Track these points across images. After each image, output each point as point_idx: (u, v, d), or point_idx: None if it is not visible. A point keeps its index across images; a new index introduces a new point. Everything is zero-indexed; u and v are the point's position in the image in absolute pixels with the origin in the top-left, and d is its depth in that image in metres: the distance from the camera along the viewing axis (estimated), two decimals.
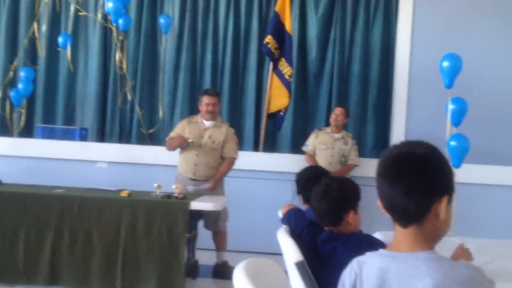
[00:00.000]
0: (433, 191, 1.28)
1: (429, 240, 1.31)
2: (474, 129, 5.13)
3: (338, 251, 2.16)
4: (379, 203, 1.35)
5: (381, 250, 1.33)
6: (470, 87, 5.37)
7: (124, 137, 6.43)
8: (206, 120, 4.77)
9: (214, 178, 4.67)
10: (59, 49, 6.03)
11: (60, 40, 5.93)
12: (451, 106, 4.72)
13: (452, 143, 4.62)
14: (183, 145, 4.67)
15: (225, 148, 4.72)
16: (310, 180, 2.82)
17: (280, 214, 2.63)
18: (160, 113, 6.21)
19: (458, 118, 4.72)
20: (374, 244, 2.10)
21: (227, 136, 4.74)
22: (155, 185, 4.31)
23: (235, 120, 6.20)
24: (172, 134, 4.88)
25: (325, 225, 2.30)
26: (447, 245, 2.74)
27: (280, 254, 2.36)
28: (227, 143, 4.71)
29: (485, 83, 5.83)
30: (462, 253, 2.26)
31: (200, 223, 4.62)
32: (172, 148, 4.76)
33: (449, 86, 4.77)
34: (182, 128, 4.83)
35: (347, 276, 1.36)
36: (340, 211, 2.25)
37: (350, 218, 2.26)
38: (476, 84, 5.66)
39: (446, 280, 1.18)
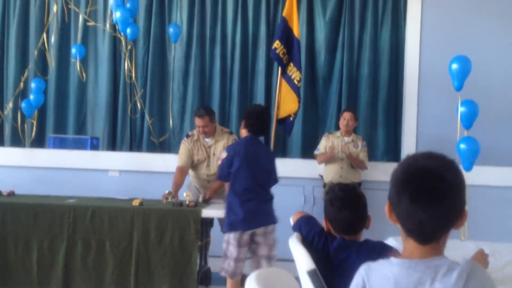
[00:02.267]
0: (457, 212, 1.28)
1: (442, 248, 1.31)
2: (485, 131, 5.09)
3: (351, 259, 2.15)
4: (388, 209, 1.34)
5: (391, 258, 1.32)
6: (480, 88, 5.32)
7: (134, 146, 6.47)
8: (206, 137, 4.70)
9: (210, 190, 4.56)
10: (73, 60, 6.08)
11: (73, 50, 5.99)
12: (461, 109, 4.69)
13: (463, 145, 4.59)
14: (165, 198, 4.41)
15: None
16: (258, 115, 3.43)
17: (292, 221, 2.62)
18: (171, 122, 6.24)
19: (468, 120, 4.69)
20: (387, 251, 2.09)
21: (227, 143, 4.60)
22: (185, 194, 4.26)
23: None
24: (179, 161, 4.70)
25: (348, 234, 2.26)
26: (462, 249, 2.72)
27: (292, 260, 2.35)
28: None
29: (495, 85, 5.77)
30: (481, 259, 2.24)
31: (213, 230, 4.61)
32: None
33: (459, 88, 4.74)
34: (188, 151, 4.69)
35: (354, 284, 1.35)
36: (365, 218, 2.27)
37: (368, 224, 2.28)
38: (486, 85, 5.61)
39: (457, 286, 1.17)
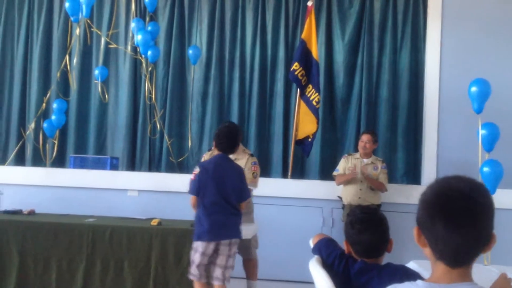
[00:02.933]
0: (488, 236, 1.27)
1: (470, 272, 1.29)
2: (506, 154, 5.03)
3: (372, 283, 2.11)
4: (417, 233, 1.32)
5: (418, 281, 1.30)
6: (500, 111, 5.27)
7: (153, 166, 6.51)
8: None
9: None
10: (95, 81, 6.18)
11: (96, 72, 6.10)
12: (482, 132, 4.64)
13: (485, 169, 4.53)
14: None
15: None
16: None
17: (311, 243, 2.59)
18: (189, 142, 6.28)
19: (490, 143, 4.63)
20: (409, 275, 2.06)
21: (246, 163, 4.56)
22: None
23: (263, 147, 6.23)
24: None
25: (369, 257, 2.23)
26: (485, 274, 2.67)
27: (311, 283, 2.33)
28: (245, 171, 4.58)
29: None
30: (504, 283, 2.19)
31: None
32: None
33: (479, 111, 4.70)
34: None
35: None
36: (386, 241, 2.23)
37: (390, 247, 2.24)
38: (506, 108, 5.55)
39: None
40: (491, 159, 4.56)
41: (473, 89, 4.71)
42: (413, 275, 2.06)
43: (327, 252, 2.36)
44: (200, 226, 3.68)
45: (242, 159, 4.66)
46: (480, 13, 5.96)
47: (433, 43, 6.03)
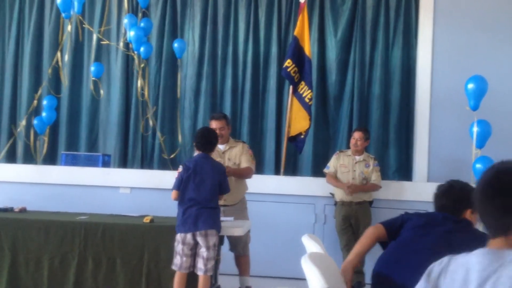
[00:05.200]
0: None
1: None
2: (497, 150, 5.05)
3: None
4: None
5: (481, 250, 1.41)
6: (493, 108, 5.29)
7: (146, 163, 6.50)
8: (219, 144, 4.77)
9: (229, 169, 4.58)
10: (92, 78, 6.14)
11: (92, 68, 6.06)
12: (475, 129, 4.67)
13: (478, 165, 4.56)
14: None
15: (241, 161, 4.71)
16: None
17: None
18: (181, 139, 6.27)
19: (482, 140, 4.66)
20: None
21: (242, 150, 4.75)
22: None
23: (256, 144, 6.22)
24: None
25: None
26: None
27: (303, 279, 2.33)
28: (242, 156, 4.72)
29: (508, 104, 5.74)
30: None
31: (223, 248, 4.60)
32: None
33: (475, 108, 4.73)
34: None
35: (435, 267, 1.44)
36: (460, 208, 2.45)
37: (468, 215, 2.45)
38: (498, 105, 5.57)
39: None
40: (484, 156, 4.60)
41: (470, 86, 4.74)
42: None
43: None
44: (178, 219, 3.98)
45: (237, 146, 4.76)
46: (472, 10, 5.98)
47: (425, 40, 6.05)
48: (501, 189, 1.39)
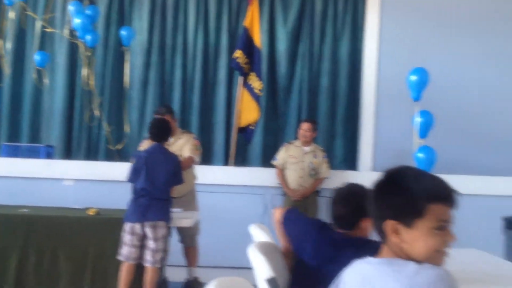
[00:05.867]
0: (379, 216, 1.40)
1: (396, 253, 1.37)
2: (440, 141, 5.23)
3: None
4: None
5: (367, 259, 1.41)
6: (436, 100, 5.47)
7: (91, 154, 6.33)
8: None
9: None
10: (40, 68, 5.91)
11: (37, 57, 5.83)
12: (418, 119, 4.81)
13: (420, 154, 4.70)
14: None
15: (183, 150, 4.66)
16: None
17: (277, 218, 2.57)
18: (128, 130, 6.14)
19: (424, 130, 4.81)
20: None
21: (187, 140, 4.68)
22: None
23: (205, 135, 6.18)
24: None
25: (339, 228, 2.28)
26: None
27: (250, 269, 2.34)
28: (185, 145, 4.66)
29: (451, 96, 5.96)
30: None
31: (171, 239, 4.55)
32: None
33: (417, 99, 4.86)
34: None
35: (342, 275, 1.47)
36: (358, 217, 2.25)
37: (363, 223, 2.26)
38: (441, 96, 5.77)
39: (413, 283, 1.24)
40: (425, 146, 4.74)
41: (413, 77, 4.87)
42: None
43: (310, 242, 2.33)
44: (128, 208, 3.93)
45: (183, 138, 4.71)
46: (417, 4, 6.16)
47: (372, 33, 6.17)
48: (371, 196, 1.44)
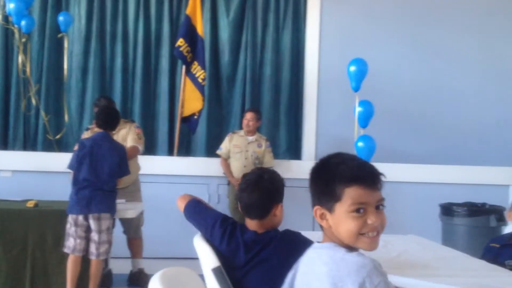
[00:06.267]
0: (312, 203, 1.46)
1: (332, 238, 1.41)
2: (380, 130, 5.40)
3: (268, 251, 2.13)
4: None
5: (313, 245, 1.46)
6: (376, 90, 5.63)
7: (29, 144, 6.11)
8: None
9: None
10: None
11: None
12: (358, 109, 4.93)
13: (360, 143, 4.84)
14: None
15: (127, 140, 4.62)
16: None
17: (180, 205, 2.58)
18: (67, 119, 5.97)
19: (365, 120, 4.95)
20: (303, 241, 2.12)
21: (129, 129, 4.70)
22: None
23: (148, 125, 6.09)
24: None
25: (251, 217, 2.23)
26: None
27: (196, 259, 2.34)
28: (128, 135, 4.66)
29: (390, 86, 6.15)
30: None
31: (115, 230, 4.49)
32: None
33: (356, 89, 4.98)
34: None
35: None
36: (270, 203, 2.21)
37: (278, 210, 2.22)
38: (381, 87, 5.95)
39: (338, 268, 1.28)
40: (365, 135, 4.88)
41: (352, 68, 4.98)
42: (302, 240, 2.13)
43: (206, 225, 2.34)
44: (70, 199, 3.83)
45: (124, 128, 4.68)
46: None
47: (313, 24, 6.27)
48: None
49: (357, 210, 1.33)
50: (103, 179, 3.81)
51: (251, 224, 2.23)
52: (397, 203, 5.71)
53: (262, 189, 2.20)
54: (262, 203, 2.20)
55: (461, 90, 6.35)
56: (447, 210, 5.00)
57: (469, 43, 6.39)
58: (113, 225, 4.31)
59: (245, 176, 2.32)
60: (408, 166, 5.96)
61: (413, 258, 2.67)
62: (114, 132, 4.41)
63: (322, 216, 1.40)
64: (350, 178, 1.34)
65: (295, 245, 1.96)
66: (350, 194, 1.34)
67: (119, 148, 3.99)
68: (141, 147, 4.70)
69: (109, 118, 3.98)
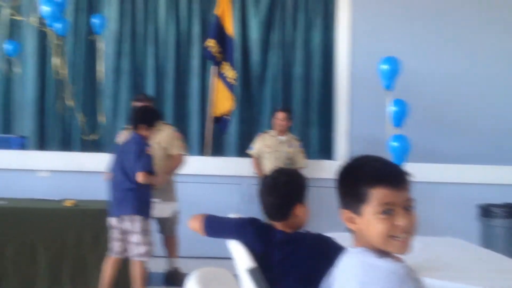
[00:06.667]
0: (339, 207, 1.41)
1: (363, 245, 1.38)
2: (414, 129, 5.32)
3: (296, 254, 2.14)
4: None
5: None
6: (410, 88, 5.55)
7: (65, 145, 6.25)
8: None
9: (162, 172, 4.61)
10: (13, 58, 5.77)
11: (8, 47, 5.67)
12: (391, 108, 4.88)
13: (393, 143, 4.78)
14: None
15: (171, 147, 4.67)
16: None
17: (195, 225, 2.52)
18: (101, 119, 6.08)
19: (399, 119, 4.88)
20: (330, 244, 2.12)
21: (170, 135, 4.71)
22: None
23: (180, 125, 6.14)
24: None
25: (273, 220, 2.24)
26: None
27: (230, 258, 2.36)
28: (172, 141, 4.69)
29: (424, 84, 6.04)
30: None
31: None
32: None
33: (389, 88, 4.92)
34: None
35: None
36: (288, 205, 2.19)
37: (298, 210, 2.20)
38: (415, 85, 5.85)
39: (368, 274, 1.27)
40: (399, 134, 4.82)
41: (384, 66, 4.93)
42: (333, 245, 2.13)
43: (236, 227, 2.34)
44: (109, 202, 3.87)
45: (164, 130, 4.70)
46: None
47: (344, 22, 6.21)
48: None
49: (385, 212, 1.30)
50: (130, 178, 3.76)
51: (277, 225, 2.24)
52: (434, 204, 5.62)
53: (278, 191, 2.20)
54: (280, 205, 2.20)
55: (499, 88, 6.19)
56: (486, 211, 4.90)
57: (507, 40, 6.23)
58: (150, 226, 4.37)
59: (264, 178, 2.33)
60: (444, 166, 5.84)
61: (450, 260, 2.64)
62: (150, 132, 4.49)
63: (350, 220, 1.38)
64: (375, 179, 1.32)
65: (328, 250, 1.99)
66: (376, 195, 1.31)
67: (136, 143, 3.84)
68: (185, 152, 4.76)
69: (139, 121, 3.91)
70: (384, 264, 1.26)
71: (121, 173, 3.79)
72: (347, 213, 1.38)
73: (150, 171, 3.82)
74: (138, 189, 3.78)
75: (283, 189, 2.20)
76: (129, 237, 3.79)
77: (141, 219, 3.78)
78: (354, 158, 1.42)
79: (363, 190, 1.33)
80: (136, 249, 3.77)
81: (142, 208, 3.81)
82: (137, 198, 3.79)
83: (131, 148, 3.81)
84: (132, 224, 3.77)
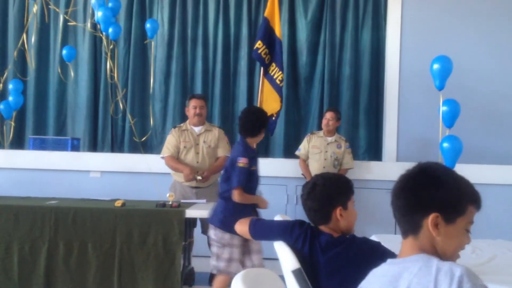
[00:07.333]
0: (418, 208, 1.37)
1: (425, 251, 1.36)
2: (466, 130, 5.16)
3: (340, 257, 2.14)
4: None
5: (388, 260, 1.42)
6: (461, 88, 5.40)
7: (116, 146, 6.42)
8: (195, 125, 4.81)
9: (208, 171, 4.67)
10: (68, 63, 5.98)
11: (64, 52, 5.88)
12: (443, 108, 4.74)
13: (445, 144, 4.64)
14: (190, 179, 4.63)
15: (218, 148, 4.75)
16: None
17: (242, 229, 2.53)
18: (152, 122, 6.21)
19: (450, 119, 4.74)
20: (375, 250, 2.09)
21: (219, 136, 4.81)
22: (168, 194, 4.24)
23: (227, 126, 6.21)
24: (167, 151, 4.80)
25: (315, 223, 2.26)
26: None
27: (276, 259, 2.35)
28: (220, 142, 4.76)
29: (476, 84, 5.87)
30: None
31: (196, 230, 4.61)
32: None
33: (440, 88, 4.79)
34: (175, 140, 4.80)
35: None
36: (327, 208, 2.20)
37: (338, 214, 2.20)
38: (467, 84, 5.69)
39: (429, 279, 1.23)
40: (451, 135, 4.68)
41: (435, 66, 4.80)
42: (379, 249, 2.10)
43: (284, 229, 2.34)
44: None
45: (213, 131, 4.81)
46: None
47: (394, 21, 6.10)
48: (404, 187, 1.41)
49: (468, 229, 1.40)
50: (225, 186, 3.54)
51: (323, 228, 2.25)
52: (486, 206, 5.32)
53: (315, 196, 2.22)
54: (318, 210, 2.22)
55: None
56: None
57: None
58: (194, 225, 4.42)
59: (305, 183, 2.34)
60: (497, 167, 5.63)
61: (503, 263, 2.54)
62: (201, 131, 4.55)
63: (435, 224, 1.36)
64: (474, 198, 1.39)
65: (372, 256, 1.97)
66: (471, 213, 1.38)
67: (232, 154, 3.61)
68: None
69: (245, 127, 3.56)
70: (455, 267, 1.26)
71: (224, 181, 3.58)
72: (437, 217, 1.36)
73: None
74: (223, 197, 3.61)
75: (321, 193, 2.22)
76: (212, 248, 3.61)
77: (213, 228, 3.61)
78: (433, 165, 1.44)
79: (464, 203, 1.38)
80: (218, 265, 3.54)
81: (216, 219, 3.60)
82: (224, 208, 3.58)
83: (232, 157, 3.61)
84: (216, 234, 3.58)
